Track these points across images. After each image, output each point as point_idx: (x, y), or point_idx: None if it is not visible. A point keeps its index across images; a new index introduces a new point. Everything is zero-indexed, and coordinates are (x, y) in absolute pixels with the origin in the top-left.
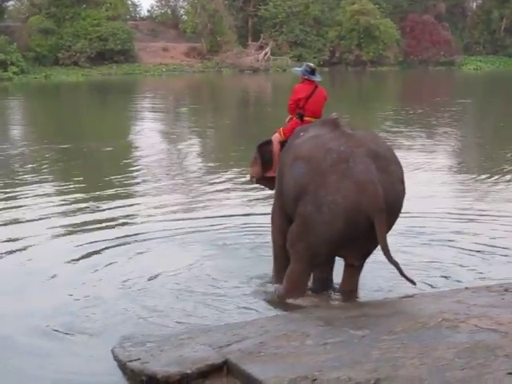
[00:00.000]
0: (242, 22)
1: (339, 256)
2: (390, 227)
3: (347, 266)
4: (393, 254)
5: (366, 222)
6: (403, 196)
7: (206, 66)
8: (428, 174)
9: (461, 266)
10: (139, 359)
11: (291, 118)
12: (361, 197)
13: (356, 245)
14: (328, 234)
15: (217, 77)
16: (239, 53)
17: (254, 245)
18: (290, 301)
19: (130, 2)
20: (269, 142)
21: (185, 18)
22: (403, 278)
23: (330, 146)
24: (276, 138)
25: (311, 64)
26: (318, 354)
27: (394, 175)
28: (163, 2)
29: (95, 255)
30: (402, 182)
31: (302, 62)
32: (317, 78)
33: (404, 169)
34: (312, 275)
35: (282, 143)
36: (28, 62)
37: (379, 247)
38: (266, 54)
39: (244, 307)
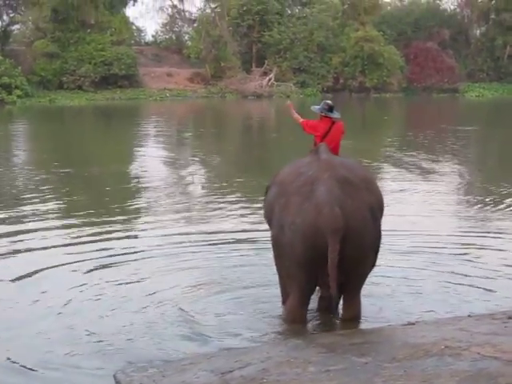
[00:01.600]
0: (246, 48)
1: (321, 285)
2: (357, 256)
3: (344, 295)
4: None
5: (325, 243)
6: (372, 224)
7: (210, 92)
8: (428, 198)
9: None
10: None
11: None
12: (317, 217)
13: (326, 271)
14: (293, 257)
15: (220, 102)
16: (243, 78)
17: (257, 268)
18: (292, 326)
19: (134, 27)
20: None
21: (189, 43)
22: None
23: (302, 170)
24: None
25: (329, 101)
26: (320, 381)
27: (360, 201)
28: (168, 28)
29: (95, 279)
30: (371, 210)
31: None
32: (335, 116)
33: (408, 193)
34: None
35: None
36: (32, 86)
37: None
38: (269, 80)
39: (246, 333)
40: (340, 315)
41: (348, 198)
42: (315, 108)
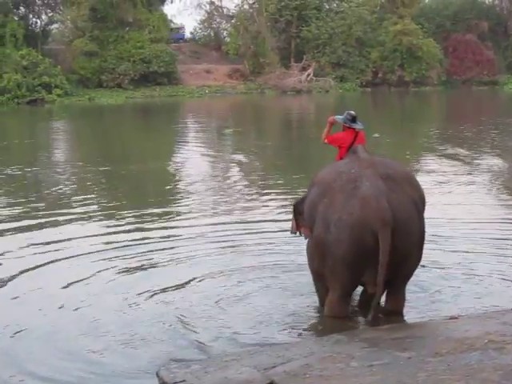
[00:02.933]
0: (284, 44)
1: (362, 282)
2: (405, 251)
3: (389, 290)
4: None
5: (373, 237)
6: (417, 218)
7: (249, 88)
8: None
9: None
10: (184, 381)
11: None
12: (365, 211)
13: (374, 268)
14: (339, 255)
15: (259, 98)
16: (282, 74)
17: (296, 264)
18: (334, 321)
19: (172, 25)
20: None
21: (227, 39)
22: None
23: (342, 169)
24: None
25: (352, 112)
26: (363, 376)
27: (404, 196)
28: (206, 25)
29: (135, 274)
30: (416, 204)
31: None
32: (358, 126)
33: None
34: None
35: None
36: (72, 85)
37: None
38: (308, 75)
39: (289, 328)
40: (383, 308)
41: (392, 192)
42: (338, 118)
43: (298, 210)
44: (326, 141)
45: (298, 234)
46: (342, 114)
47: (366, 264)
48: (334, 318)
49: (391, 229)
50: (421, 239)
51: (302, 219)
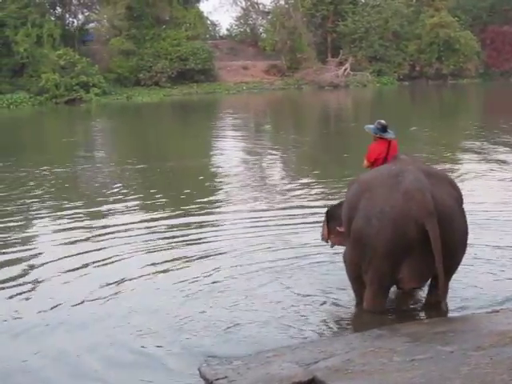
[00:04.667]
0: (321, 39)
1: (400, 279)
2: (449, 244)
3: (433, 279)
4: None
5: (416, 229)
6: (459, 213)
7: (286, 83)
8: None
9: None
10: (226, 377)
11: None
12: (409, 204)
13: (412, 262)
14: (380, 246)
15: (297, 93)
16: (319, 69)
17: (334, 259)
18: (375, 316)
19: (209, 22)
20: (341, 204)
21: (264, 35)
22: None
23: (382, 168)
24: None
25: (382, 121)
26: (405, 370)
27: (446, 191)
28: (242, 21)
29: (177, 271)
30: (457, 201)
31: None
32: (389, 135)
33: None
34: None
35: None
36: (109, 84)
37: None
38: (345, 69)
39: (329, 323)
40: (426, 300)
41: (434, 187)
42: (369, 128)
43: (331, 216)
44: (367, 163)
45: (328, 242)
46: (373, 124)
47: (404, 257)
48: (374, 312)
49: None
50: (464, 235)
51: (334, 225)
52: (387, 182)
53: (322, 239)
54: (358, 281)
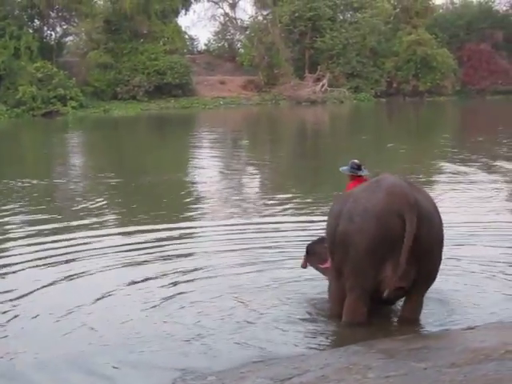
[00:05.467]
0: (298, 54)
1: (383, 279)
2: (427, 244)
3: (409, 294)
4: None
5: (399, 223)
6: (438, 217)
7: (263, 99)
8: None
9: None
10: None
11: None
12: (391, 199)
13: (396, 260)
14: (364, 242)
15: (274, 109)
16: (296, 85)
17: (313, 276)
18: (351, 332)
19: (187, 36)
20: (321, 240)
21: (242, 51)
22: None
23: (365, 184)
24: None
25: (356, 160)
26: None
27: (425, 196)
28: (220, 36)
29: (157, 289)
30: (435, 207)
31: (359, 93)
32: (364, 173)
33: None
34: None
35: None
36: (87, 97)
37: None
38: (323, 85)
39: (305, 339)
40: (400, 315)
41: (414, 191)
42: (344, 169)
43: (311, 251)
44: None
45: (305, 268)
46: (347, 165)
47: (388, 255)
48: (353, 323)
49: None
50: (441, 240)
51: (313, 261)
52: (369, 187)
53: (302, 266)
54: (337, 283)
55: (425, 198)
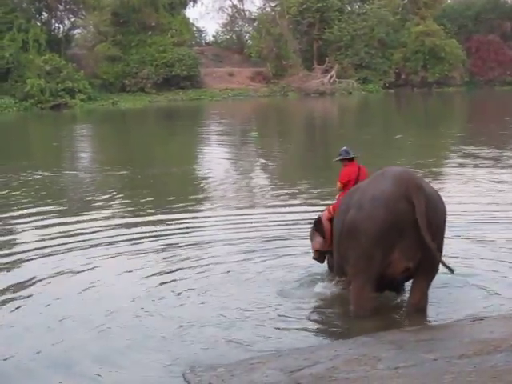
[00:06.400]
0: (306, 46)
1: (391, 261)
2: (433, 226)
3: (414, 280)
4: None
5: (407, 206)
6: (442, 202)
7: (272, 90)
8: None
9: None
10: None
11: (339, 197)
12: (398, 184)
13: (404, 242)
14: (373, 228)
15: (283, 101)
16: (305, 76)
17: (322, 267)
18: (360, 323)
19: (195, 28)
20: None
21: (250, 42)
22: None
23: (369, 179)
24: (325, 215)
25: (344, 147)
26: (389, 378)
27: (429, 185)
28: (228, 28)
29: (161, 277)
30: (439, 195)
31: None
32: (353, 154)
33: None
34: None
35: (331, 220)
36: (95, 89)
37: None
38: (331, 77)
39: (315, 330)
40: (407, 306)
41: (419, 180)
42: (338, 159)
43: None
44: (340, 185)
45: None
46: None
47: (397, 239)
48: (361, 309)
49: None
50: (444, 222)
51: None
52: (375, 179)
53: (315, 252)
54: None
55: (428, 185)
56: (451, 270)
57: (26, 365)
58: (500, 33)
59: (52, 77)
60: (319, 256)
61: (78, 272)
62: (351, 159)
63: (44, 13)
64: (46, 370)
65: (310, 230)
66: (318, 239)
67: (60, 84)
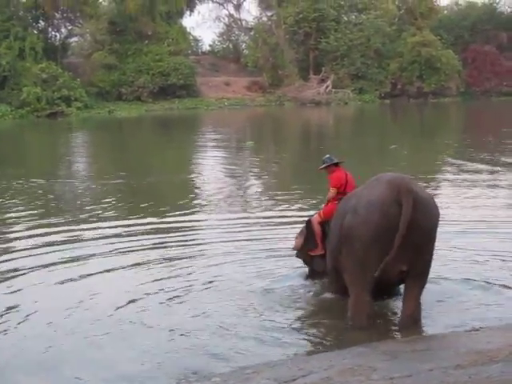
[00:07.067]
0: (303, 56)
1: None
2: (424, 230)
3: (406, 288)
4: None
5: (399, 210)
6: (435, 206)
7: (268, 100)
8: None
9: None
10: None
11: (328, 202)
12: (390, 189)
13: (399, 247)
14: (368, 233)
15: (279, 110)
16: (301, 86)
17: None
18: (355, 333)
19: (191, 37)
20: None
21: (246, 52)
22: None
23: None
24: (315, 219)
25: (327, 155)
26: None
27: (423, 189)
28: (225, 37)
29: (155, 285)
30: (433, 199)
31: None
32: (336, 160)
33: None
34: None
35: (322, 224)
36: (91, 98)
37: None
38: (327, 87)
39: (309, 340)
40: (401, 315)
41: (412, 184)
42: (323, 166)
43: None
44: (333, 190)
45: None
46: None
47: (391, 243)
48: (359, 314)
49: (413, 202)
50: (435, 230)
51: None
52: (369, 185)
53: (293, 249)
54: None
55: (421, 189)
56: None
57: (10, 373)
58: (496, 43)
59: (48, 85)
60: (310, 259)
61: (67, 280)
62: (336, 164)
63: (41, 21)
64: (26, 378)
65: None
66: (300, 239)
67: (56, 92)
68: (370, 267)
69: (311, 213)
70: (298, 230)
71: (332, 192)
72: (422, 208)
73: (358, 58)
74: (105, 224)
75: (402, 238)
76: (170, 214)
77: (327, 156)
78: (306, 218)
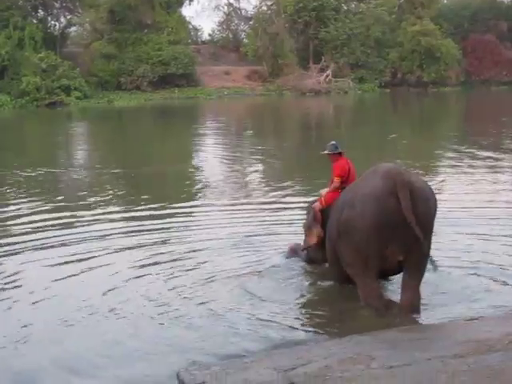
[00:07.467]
0: (302, 45)
1: (387, 254)
2: (424, 219)
3: (405, 278)
4: None
5: (394, 201)
6: (433, 194)
7: (268, 89)
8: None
9: None
10: (204, 382)
11: (332, 190)
12: (386, 180)
13: (398, 235)
14: (367, 226)
15: (279, 99)
16: (300, 75)
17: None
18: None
19: (191, 27)
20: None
21: (246, 41)
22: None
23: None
24: (317, 206)
25: (333, 141)
26: (384, 377)
27: (420, 178)
28: (224, 26)
29: (156, 275)
30: (430, 189)
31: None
32: (339, 149)
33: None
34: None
35: (322, 211)
36: (91, 87)
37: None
38: (327, 76)
39: (309, 329)
40: (399, 305)
41: (408, 174)
42: (327, 152)
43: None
44: (338, 179)
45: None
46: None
47: (390, 235)
48: (374, 299)
49: (410, 192)
50: (433, 218)
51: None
52: (366, 177)
53: (308, 247)
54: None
55: (418, 178)
56: (435, 267)
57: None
58: (496, 33)
59: (48, 74)
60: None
61: (60, 264)
62: (339, 154)
63: (40, 10)
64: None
65: (305, 220)
66: (317, 229)
67: (56, 82)
68: (370, 259)
69: (310, 199)
70: (300, 229)
71: (336, 181)
72: (420, 197)
73: (357, 47)
74: (102, 212)
75: (412, 224)
76: (168, 203)
77: (333, 143)
78: (306, 204)
